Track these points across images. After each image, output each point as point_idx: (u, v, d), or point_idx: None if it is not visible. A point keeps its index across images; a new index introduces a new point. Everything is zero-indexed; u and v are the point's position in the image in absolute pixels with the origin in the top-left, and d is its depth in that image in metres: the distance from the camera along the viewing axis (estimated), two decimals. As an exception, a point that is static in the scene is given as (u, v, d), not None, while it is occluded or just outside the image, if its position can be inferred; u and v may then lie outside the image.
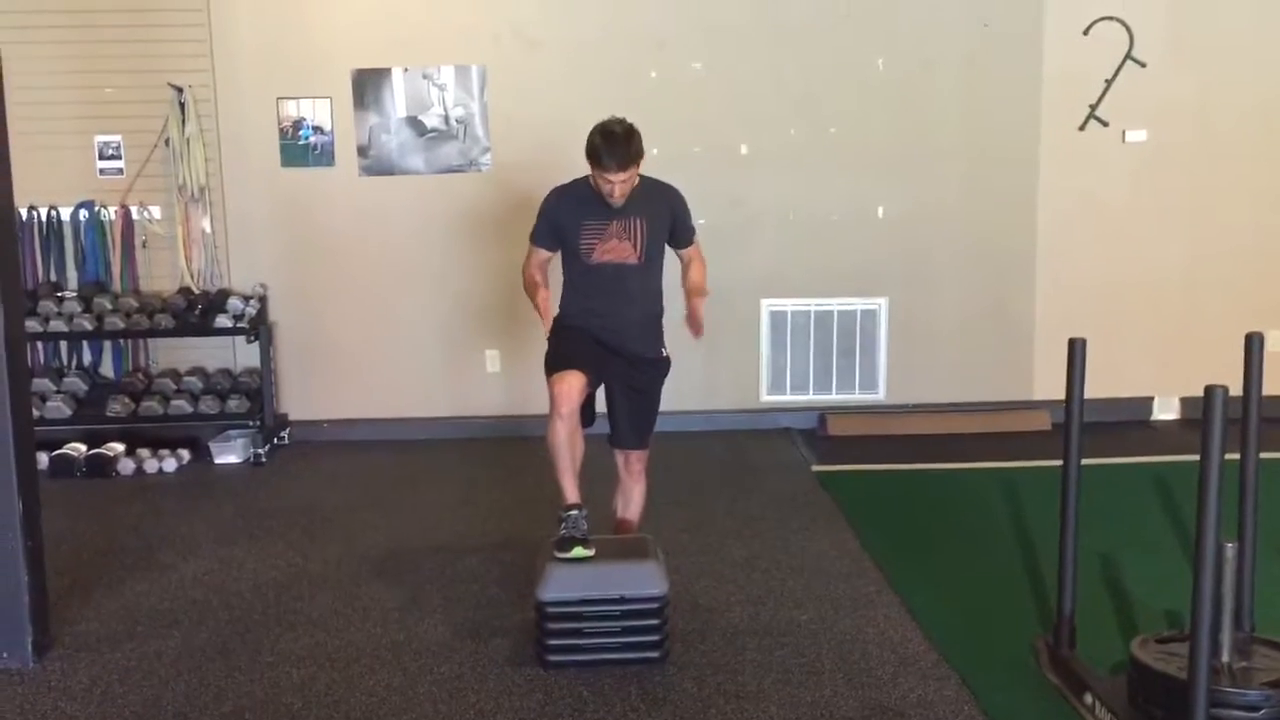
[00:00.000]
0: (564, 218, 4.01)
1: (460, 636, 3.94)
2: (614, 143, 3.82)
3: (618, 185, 3.85)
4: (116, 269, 6.61)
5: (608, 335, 4.01)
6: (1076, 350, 3.39)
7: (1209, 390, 2.63)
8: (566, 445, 3.81)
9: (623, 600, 3.63)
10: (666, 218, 4.06)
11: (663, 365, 4.15)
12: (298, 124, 6.58)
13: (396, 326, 6.77)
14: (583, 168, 4.01)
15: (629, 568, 3.68)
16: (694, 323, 4.09)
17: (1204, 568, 2.65)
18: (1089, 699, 3.23)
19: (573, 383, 3.79)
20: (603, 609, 3.63)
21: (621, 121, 3.89)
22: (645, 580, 3.65)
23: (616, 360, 4.02)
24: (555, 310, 4.06)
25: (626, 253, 3.97)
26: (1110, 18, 6.50)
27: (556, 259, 4.12)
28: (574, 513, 3.77)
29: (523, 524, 5.14)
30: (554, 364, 3.90)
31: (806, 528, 5.02)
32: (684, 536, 4.88)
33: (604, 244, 3.96)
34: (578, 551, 3.68)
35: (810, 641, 3.83)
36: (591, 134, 3.87)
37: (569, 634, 3.64)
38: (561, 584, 3.63)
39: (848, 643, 3.82)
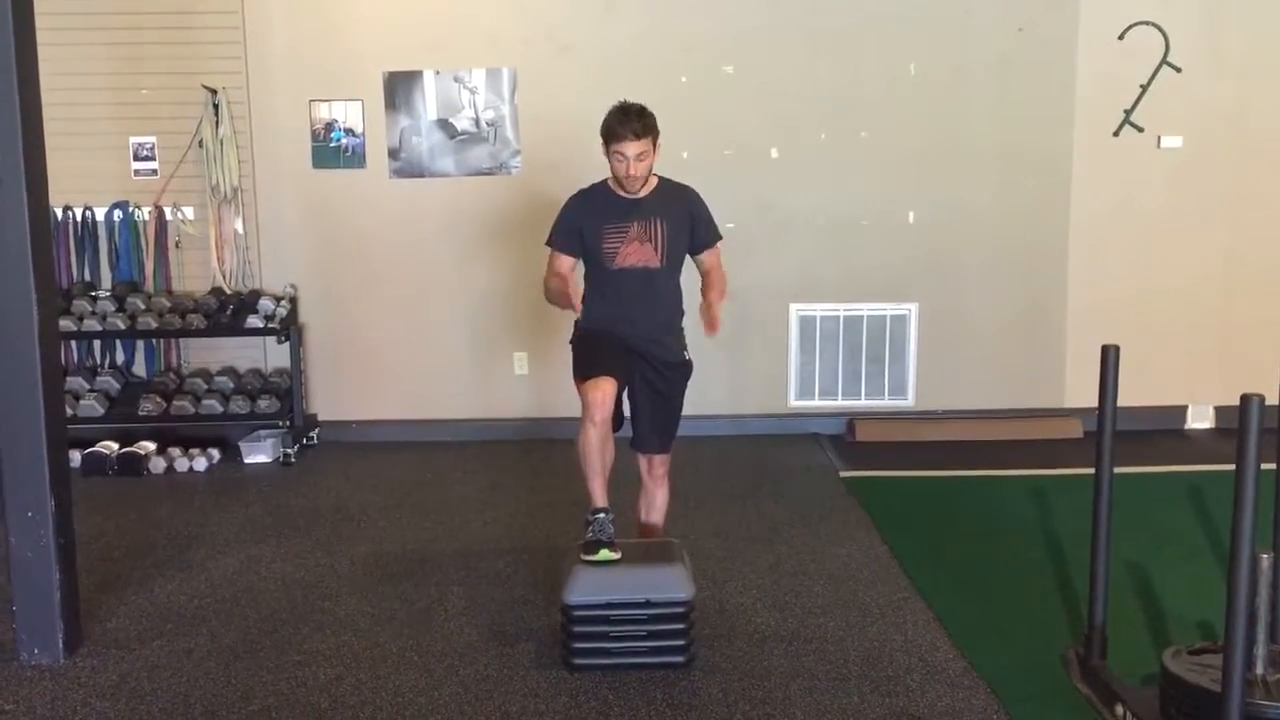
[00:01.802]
0: (585, 222, 3.99)
1: (486, 639, 3.95)
2: (627, 114, 3.85)
3: (632, 160, 3.84)
4: (150, 269, 6.66)
5: (633, 339, 4.00)
6: (1109, 357, 3.35)
7: (1245, 399, 2.59)
8: (598, 451, 3.80)
9: (649, 604, 3.62)
10: (686, 219, 4.04)
11: (686, 368, 4.14)
12: (329, 126, 6.62)
13: (426, 328, 6.80)
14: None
15: (655, 571, 3.67)
16: (709, 317, 3.95)
17: (1238, 579, 2.61)
18: (1120, 710, 3.19)
19: (607, 390, 3.78)
20: (629, 613, 3.62)
21: (636, 103, 3.91)
22: (671, 584, 3.64)
23: (641, 363, 4.02)
24: (581, 309, 4.03)
25: (649, 256, 3.96)
26: (1146, 22, 6.45)
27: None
28: (601, 516, 3.77)
29: (549, 527, 5.14)
30: (586, 370, 3.88)
31: (834, 533, 5.00)
32: (711, 541, 4.86)
33: (627, 247, 3.95)
34: (603, 554, 3.68)
35: (837, 648, 3.81)
36: (608, 113, 3.90)
37: (595, 637, 3.63)
38: (588, 587, 3.63)
39: (875, 649, 3.79)
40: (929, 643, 3.84)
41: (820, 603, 4.21)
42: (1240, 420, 2.61)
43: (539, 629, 4.00)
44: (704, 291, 4.10)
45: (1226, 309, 6.71)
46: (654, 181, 4.02)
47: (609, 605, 3.62)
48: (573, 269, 4.08)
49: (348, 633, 4.03)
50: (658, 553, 3.81)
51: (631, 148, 3.83)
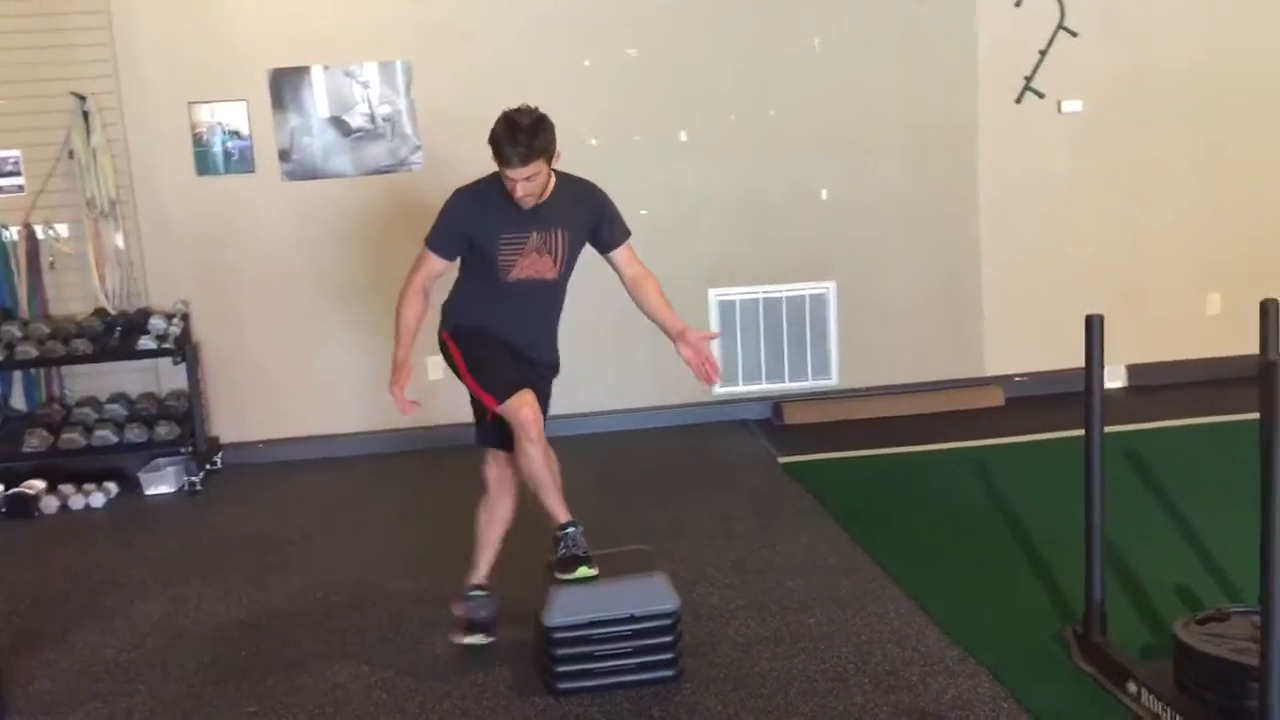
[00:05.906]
0: (478, 227, 3.65)
1: (455, 667, 3.70)
2: (516, 132, 3.44)
3: (520, 184, 3.50)
4: (23, 293, 6.14)
5: (518, 342, 3.75)
6: (1094, 327, 3.33)
7: (1269, 365, 2.53)
8: (545, 466, 3.60)
9: (633, 619, 3.44)
10: (587, 223, 3.73)
11: (558, 367, 3.92)
12: (212, 129, 6.21)
13: (329, 338, 6.44)
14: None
15: (637, 584, 3.49)
16: (709, 366, 3.70)
17: (1273, 543, 2.55)
18: (1133, 687, 3.13)
19: (533, 403, 3.59)
20: (613, 630, 3.43)
21: (532, 111, 3.50)
22: (655, 596, 3.47)
23: (524, 365, 3.76)
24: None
25: (546, 268, 3.68)
26: (1042, -12, 6.49)
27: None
28: (571, 530, 3.56)
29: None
30: (501, 387, 3.62)
31: (789, 523, 4.88)
32: (667, 541, 4.65)
33: (524, 259, 3.64)
34: (582, 571, 3.47)
35: (825, 645, 3.68)
36: (496, 122, 3.50)
37: (579, 659, 3.43)
38: (568, 607, 3.42)
39: (864, 644, 3.68)
40: (917, 632, 3.74)
41: (796, 598, 4.07)
42: (1260, 387, 2.55)
43: (511, 650, 3.76)
44: (657, 317, 3.77)
45: (1132, 269, 6.80)
46: (552, 181, 3.65)
47: (592, 624, 3.42)
48: (443, 272, 3.77)
49: (302, 674, 3.73)
50: (636, 563, 3.61)
51: (519, 172, 3.47)
